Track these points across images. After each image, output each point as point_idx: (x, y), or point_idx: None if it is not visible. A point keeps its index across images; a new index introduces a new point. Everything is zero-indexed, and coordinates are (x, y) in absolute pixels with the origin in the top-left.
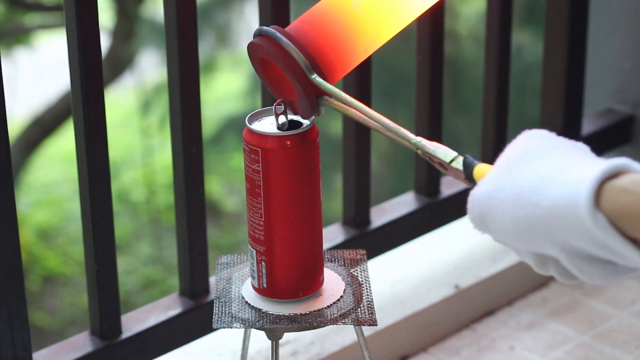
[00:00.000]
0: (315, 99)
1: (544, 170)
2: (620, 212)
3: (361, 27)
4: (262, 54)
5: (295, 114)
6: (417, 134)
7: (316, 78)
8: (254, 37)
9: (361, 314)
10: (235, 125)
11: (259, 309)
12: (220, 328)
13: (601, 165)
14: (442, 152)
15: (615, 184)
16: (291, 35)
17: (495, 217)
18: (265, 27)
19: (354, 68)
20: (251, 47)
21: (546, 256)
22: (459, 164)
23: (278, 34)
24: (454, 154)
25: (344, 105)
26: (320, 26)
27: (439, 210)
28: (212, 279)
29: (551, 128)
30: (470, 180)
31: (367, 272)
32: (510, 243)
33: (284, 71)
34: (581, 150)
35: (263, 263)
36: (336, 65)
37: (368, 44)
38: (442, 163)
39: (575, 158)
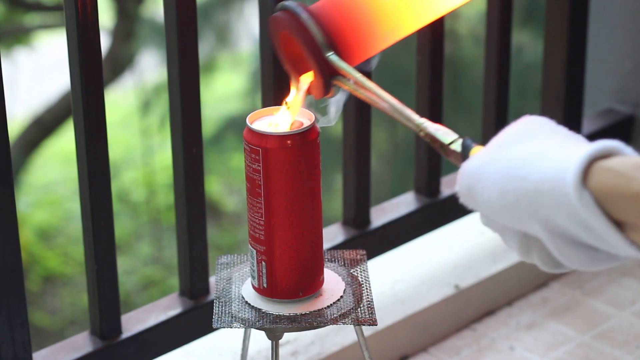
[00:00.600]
0: (329, 78)
1: (537, 147)
2: (606, 192)
3: (384, 13)
4: (281, 28)
5: (308, 94)
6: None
7: (332, 56)
8: (276, 11)
9: (361, 314)
10: (235, 125)
11: (259, 309)
12: (220, 328)
13: (593, 145)
14: (443, 133)
15: (604, 164)
16: (312, 12)
17: (483, 190)
18: (287, 2)
19: (369, 58)
20: (272, 21)
21: (530, 240)
22: (458, 145)
23: (299, 9)
24: (454, 136)
25: (356, 86)
26: (343, 7)
27: (439, 210)
28: (212, 279)
29: None
30: None
31: (367, 272)
32: (495, 218)
33: (301, 46)
34: (578, 138)
35: (263, 263)
36: (354, 49)
37: (388, 32)
38: (442, 145)
39: (570, 140)
